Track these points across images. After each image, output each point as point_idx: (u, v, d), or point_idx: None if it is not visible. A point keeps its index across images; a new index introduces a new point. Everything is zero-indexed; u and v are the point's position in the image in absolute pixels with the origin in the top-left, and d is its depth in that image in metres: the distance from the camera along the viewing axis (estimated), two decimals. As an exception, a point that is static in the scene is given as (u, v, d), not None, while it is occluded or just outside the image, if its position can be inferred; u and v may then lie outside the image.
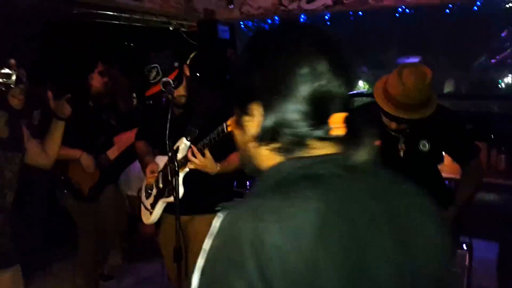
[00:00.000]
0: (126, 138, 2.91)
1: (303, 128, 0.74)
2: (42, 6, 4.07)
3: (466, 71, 6.23)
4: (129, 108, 4.17)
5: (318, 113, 0.75)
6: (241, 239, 0.64)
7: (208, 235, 0.71)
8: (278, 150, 0.77)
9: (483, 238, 3.33)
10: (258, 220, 0.65)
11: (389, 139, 1.96)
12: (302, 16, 5.80)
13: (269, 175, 0.78)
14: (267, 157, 0.79)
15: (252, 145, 0.80)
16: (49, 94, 2.14)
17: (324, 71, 0.74)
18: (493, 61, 5.85)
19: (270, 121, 0.76)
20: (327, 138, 0.76)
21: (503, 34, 5.67)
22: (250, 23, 6.36)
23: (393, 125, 1.88)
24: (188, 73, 2.24)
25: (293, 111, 0.74)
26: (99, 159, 2.85)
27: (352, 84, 0.82)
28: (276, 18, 5.89)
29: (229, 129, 1.90)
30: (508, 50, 5.70)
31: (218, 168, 2.08)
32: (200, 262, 0.68)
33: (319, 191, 0.69)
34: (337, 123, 0.75)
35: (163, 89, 2.04)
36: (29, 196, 3.15)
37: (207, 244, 0.70)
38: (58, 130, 2.14)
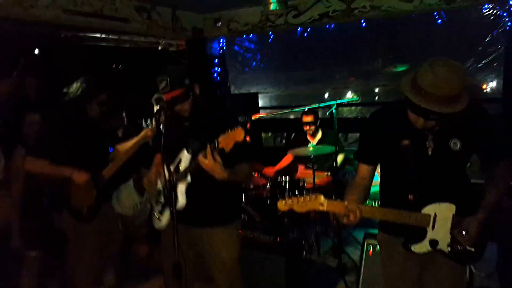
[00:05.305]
0: (122, 154, 2.91)
1: None
2: (29, 31, 4.08)
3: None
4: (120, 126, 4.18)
5: None
6: None
7: None
8: None
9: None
10: None
11: (417, 136, 1.87)
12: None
13: None
14: None
15: None
16: None
17: None
18: (479, 65, 5.94)
19: None
20: None
21: (487, 40, 5.78)
22: (239, 39, 6.40)
23: (420, 121, 1.76)
24: (198, 92, 2.29)
25: None
26: (96, 179, 2.83)
27: None
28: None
29: (220, 146, 1.95)
30: (494, 54, 5.80)
31: (226, 174, 2.04)
32: None
33: None
34: None
35: (154, 103, 2.09)
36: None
37: None
38: None
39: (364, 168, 2.06)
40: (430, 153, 1.89)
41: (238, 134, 1.92)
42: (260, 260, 3.29)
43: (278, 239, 3.28)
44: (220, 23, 5.45)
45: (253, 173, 4.65)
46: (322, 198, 1.83)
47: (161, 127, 2.09)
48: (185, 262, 2.04)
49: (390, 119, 1.98)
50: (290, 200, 1.85)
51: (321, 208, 1.83)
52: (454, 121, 1.82)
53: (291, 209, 1.86)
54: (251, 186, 4.41)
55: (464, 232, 1.84)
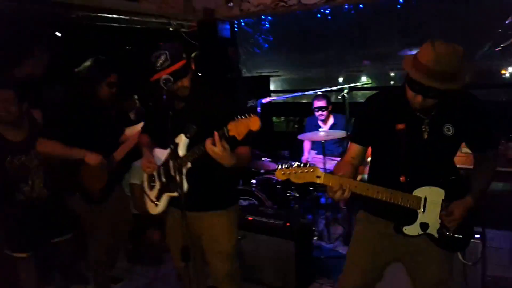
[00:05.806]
0: (132, 137, 2.90)
1: None
2: (41, 12, 4.04)
3: (470, 60, 6.18)
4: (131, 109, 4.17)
5: None
6: None
7: None
8: None
9: (496, 228, 3.28)
10: None
11: (414, 120, 1.92)
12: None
13: None
14: None
15: None
16: None
17: None
18: (497, 49, 5.77)
19: None
20: None
21: (506, 22, 5.58)
22: (251, 20, 6.31)
23: (419, 99, 1.80)
24: (194, 68, 2.24)
25: None
26: (108, 161, 2.83)
27: None
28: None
29: (230, 133, 1.88)
30: (512, 38, 5.58)
31: (234, 161, 1.99)
32: None
33: None
34: None
35: (163, 86, 2.03)
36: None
37: None
38: None
39: (356, 148, 2.10)
40: (426, 137, 1.93)
41: (253, 123, 1.82)
42: (270, 244, 3.29)
43: (288, 224, 3.27)
44: (231, 4, 5.35)
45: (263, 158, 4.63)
46: (319, 171, 1.85)
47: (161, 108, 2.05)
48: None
49: (388, 102, 2.01)
50: (288, 171, 1.86)
51: (317, 181, 1.85)
52: (449, 106, 1.89)
53: (288, 179, 1.86)
54: (262, 171, 4.39)
55: (449, 214, 1.92)
